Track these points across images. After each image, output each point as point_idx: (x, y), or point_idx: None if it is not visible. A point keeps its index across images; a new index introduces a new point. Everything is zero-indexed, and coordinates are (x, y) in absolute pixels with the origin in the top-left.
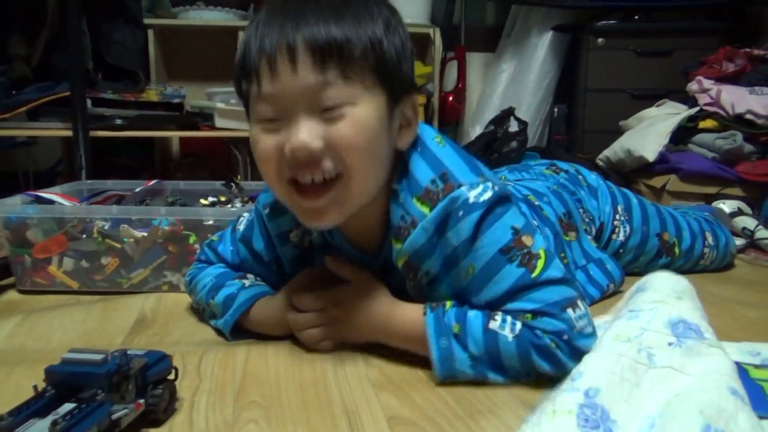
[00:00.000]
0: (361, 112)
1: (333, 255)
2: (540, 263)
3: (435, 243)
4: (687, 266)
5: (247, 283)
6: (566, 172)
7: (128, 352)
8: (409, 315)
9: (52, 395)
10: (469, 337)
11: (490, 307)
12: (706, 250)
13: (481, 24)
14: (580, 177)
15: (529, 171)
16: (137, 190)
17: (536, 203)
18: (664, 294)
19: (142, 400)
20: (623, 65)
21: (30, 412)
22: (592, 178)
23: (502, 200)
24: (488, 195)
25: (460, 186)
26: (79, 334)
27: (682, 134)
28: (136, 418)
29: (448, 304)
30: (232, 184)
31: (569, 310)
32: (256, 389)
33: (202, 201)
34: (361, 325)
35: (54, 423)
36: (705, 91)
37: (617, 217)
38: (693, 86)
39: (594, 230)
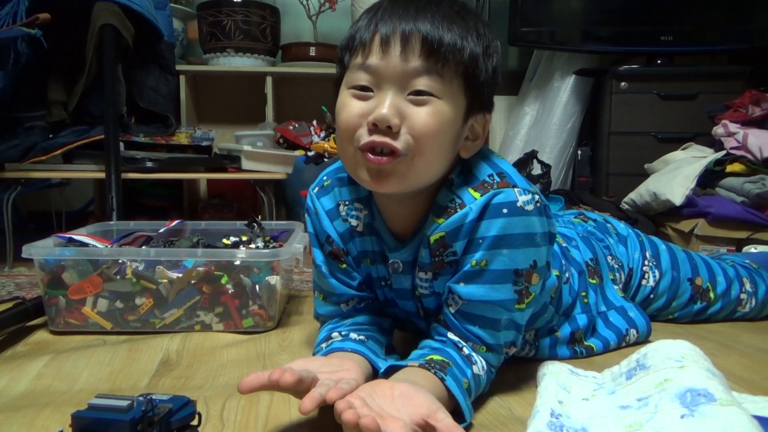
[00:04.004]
0: (443, 106)
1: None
2: (527, 301)
3: (471, 227)
4: (724, 313)
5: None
6: (594, 221)
7: (153, 398)
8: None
9: None
10: (471, 389)
11: (464, 315)
12: (743, 295)
13: (504, 68)
14: (608, 225)
15: (557, 219)
16: (161, 230)
17: (564, 245)
18: (665, 369)
19: None
20: (647, 108)
21: None
22: (621, 227)
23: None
24: (531, 207)
25: (514, 186)
26: (105, 376)
27: (709, 178)
28: None
29: (440, 359)
30: (254, 223)
31: (506, 349)
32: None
33: (225, 241)
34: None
35: None
36: (731, 134)
37: (646, 263)
38: (719, 130)
39: (623, 277)
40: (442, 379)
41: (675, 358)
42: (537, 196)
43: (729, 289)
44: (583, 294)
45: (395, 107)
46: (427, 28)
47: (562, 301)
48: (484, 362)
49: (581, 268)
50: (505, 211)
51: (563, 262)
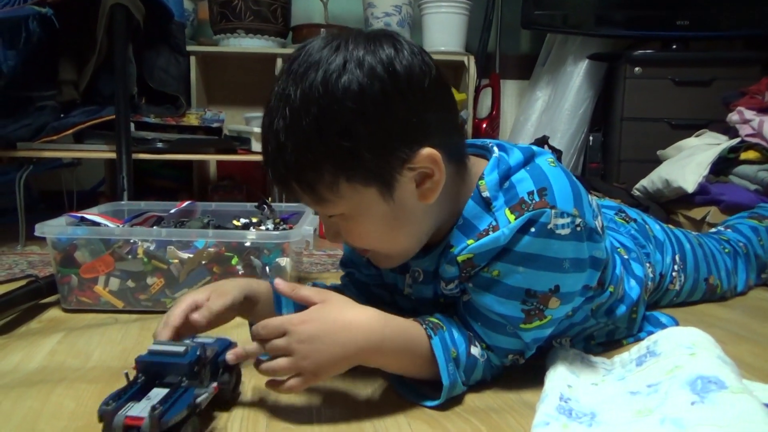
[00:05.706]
0: (353, 214)
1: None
2: (536, 323)
3: (501, 250)
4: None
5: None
6: (635, 221)
7: (203, 342)
8: (404, 329)
9: (143, 381)
10: (460, 361)
11: (469, 309)
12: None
13: (516, 52)
14: (647, 227)
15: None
16: (172, 211)
17: (625, 257)
18: (676, 356)
19: (216, 383)
20: (661, 94)
21: (128, 396)
22: (657, 229)
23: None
24: (566, 231)
25: (552, 207)
26: (118, 353)
27: (722, 165)
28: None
29: (436, 321)
30: (264, 205)
31: (511, 356)
32: (290, 414)
33: (235, 222)
34: (339, 343)
35: (153, 408)
36: (746, 122)
37: (675, 267)
38: (734, 117)
39: (654, 284)
40: (430, 337)
41: (686, 345)
42: (578, 220)
43: (729, 282)
44: (634, 309)
45: (328, 228)
46: (282, 175)
47: (616, 313)
48: (484, 351)
49: (641, 284)
50: (532, 230)
51: (624, 275)
